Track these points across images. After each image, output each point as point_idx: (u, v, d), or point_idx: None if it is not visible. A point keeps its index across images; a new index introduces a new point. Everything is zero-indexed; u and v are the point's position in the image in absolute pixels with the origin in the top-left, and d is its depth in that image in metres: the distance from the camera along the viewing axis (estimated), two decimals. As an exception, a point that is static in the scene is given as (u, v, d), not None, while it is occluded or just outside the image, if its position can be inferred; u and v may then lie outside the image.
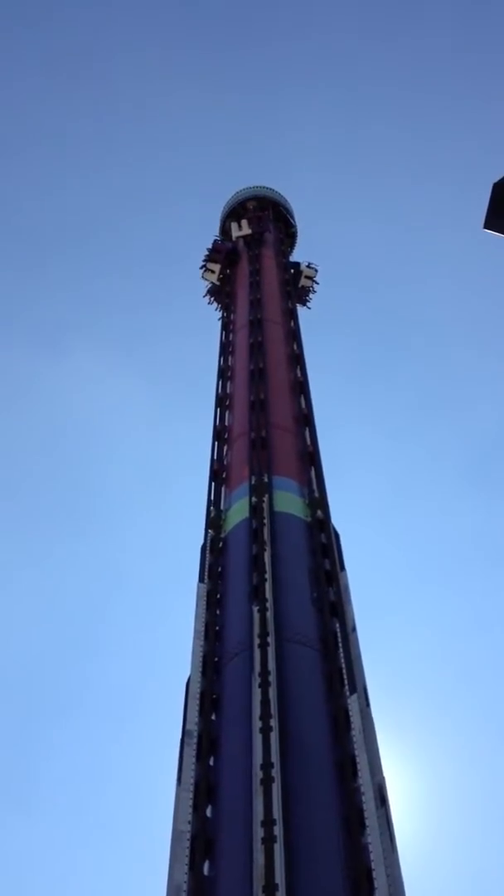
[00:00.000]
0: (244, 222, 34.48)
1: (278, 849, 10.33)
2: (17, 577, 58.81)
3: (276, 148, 74.32)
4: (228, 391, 24.75)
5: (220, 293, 33.27)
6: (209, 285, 34.11)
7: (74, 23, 75.85)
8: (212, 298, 34.00)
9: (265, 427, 20.78)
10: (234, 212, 36.33)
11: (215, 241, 34.94)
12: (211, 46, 79.64)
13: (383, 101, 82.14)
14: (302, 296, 33.84)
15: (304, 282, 34.07)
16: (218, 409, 23.96)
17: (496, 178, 18.78)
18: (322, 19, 79.23)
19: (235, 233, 34.17)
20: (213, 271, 33.65)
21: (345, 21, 78.40)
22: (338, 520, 18.23)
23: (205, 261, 34.03)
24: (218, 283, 33.64)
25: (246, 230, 34.01)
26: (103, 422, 70.08)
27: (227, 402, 24.17)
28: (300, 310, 31.37)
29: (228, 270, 33.41)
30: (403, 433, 69.75)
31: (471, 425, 69.03)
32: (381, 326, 77.93)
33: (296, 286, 33.24)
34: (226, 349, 27.36)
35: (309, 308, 34.08)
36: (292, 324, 28.08)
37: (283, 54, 78.27)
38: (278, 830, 10.57)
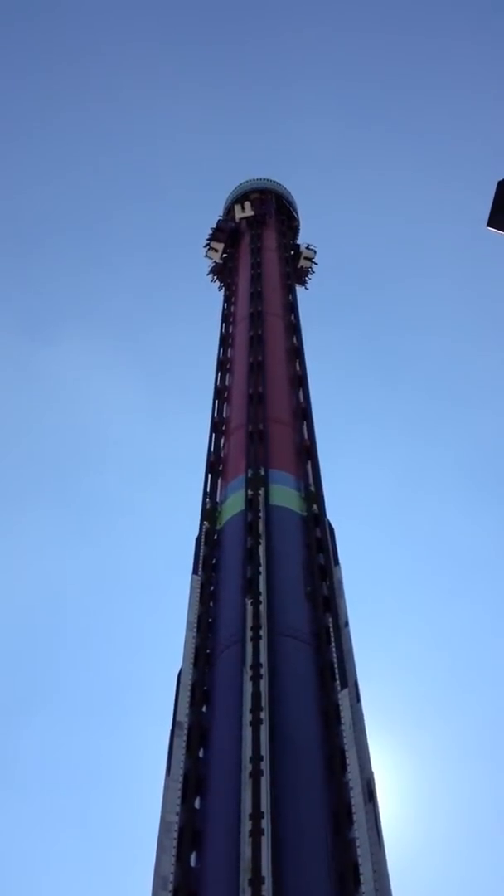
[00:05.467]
0: (247, 204, 35.31)
1: (265, 842, 10.35)
2: (10, 565, 58.78)
3: (276, 141, 74.02)
4: (227, 383, 24.72)
5: (223, 272, 33.85)
6: (212, 264, 34.86)
7: (78, 11, 75.56)
8: (214, 277, 34.78)
9: (263, 420, 20.76)
10: (238, 200, 36.63)
11: (219, 220, 35.83)
12: (213, 39, 79.45)
13: (387, 97, 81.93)
14: (301, 276, 34.62)
15: (303, 262, 35.07)
16: (216, 402, 23.92)
17: (501, 176, 18.74)
18: (325, 13, 79.01)
19: (239, 214, 35.01)
20: (216, 250, 34.63)
21: (348, 14, 78.12)
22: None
23: (208, 240, 34.94)
24: (221, 262, 34.21)
25: (249, 212, 34.86)
26: (96, 410, 69.81)
27: (226, 395, 24.14)
28: (298, 291, 32.03)
29: (231, 251, 34.10)
30: (410, 430, 69.42)
31: (480, 425, 68.67)
32: (386, 323, 77.75)
33: (295, 267, 34.01)
34: (225, 341, 27.34)
35: (307, 289, 34.83)
36: (292, 317, 28.07)
37: (286, 48, 77.96)
38: (266, 823, 10.58)
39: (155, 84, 77.23)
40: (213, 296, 33.89)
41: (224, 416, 23.17)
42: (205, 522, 18.43)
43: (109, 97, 77.84)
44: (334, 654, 14.15)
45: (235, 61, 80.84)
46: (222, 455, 21.35)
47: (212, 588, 16.50)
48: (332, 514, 18.22)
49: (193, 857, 11.26)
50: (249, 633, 13.87)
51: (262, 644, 13.56)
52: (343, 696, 13.17)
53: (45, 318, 75.39)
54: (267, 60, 79.05)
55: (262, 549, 15.90)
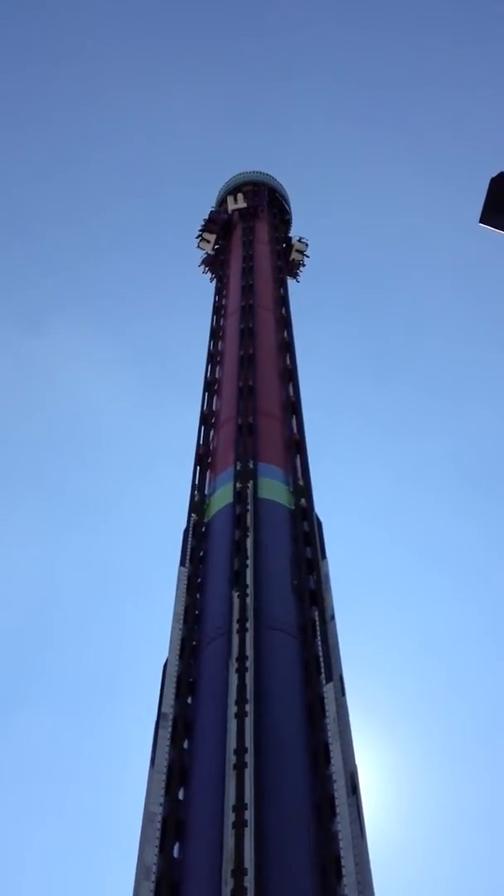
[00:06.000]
0: (240, 196, 35.38)
1: (248, 833, 10.38)
2: (0, 554, 58.66)
3: (275, 138, 73.90)
4: (217, 376, 24.69)
5: (215, 263, 33.80)
6: (204, 255, 34.79)
7: (77, 5, 75.17)
8: (206, 268, 34.65)
9: (252, 413, 20.75)
10: (231, 191, 36.60)
11: (211, 211, 35.75)
12: (212, 35, 79.12)
13: (386, 95, 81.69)
14: (293, 269, 34.61)
15: (294, 255, 35.06)
16: (206, 394, 23.89)
17: (494, 173, 18.77)
18: (325, 11, 78.79)
19: (231, 206, 35.04)
20: (208, 241, 34.62)
21: (348, 12, 77.94)
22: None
23: (200, 230, 34.87)
24: (213, 253, 34.18)
25: (241, 203, 34.91)
26: (89, 401, 69.67)
27: (216, 387, 24.11)
28: (292, 284, 32.31)
29: (223, 243, 34.11)
30: (406, 428, 69.37)
31: (475, 423, 68.67)
32: (382, 322, 77.66)
33: (287, 259, 34.00)
34: (216, 334, 27.30)
35: (298, 282, 34.86)
36: (283, 311, 28.05)
37: (285, 45, 77.79)
38: (249, 815, 10.62)
39: (154, 78, 77.10)
40: (206, 287, 33.83)
41: (214, 408, 23.13)
42: (193, 514, 18.43)
43: (108, 90, 77.49)
44: (320, 648, 14.17)
45: (234, 58, 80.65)
46: (211, 447, 21.33)
47: (199, 580, 16.50)
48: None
49: (177, 847, 11.29)
50: (236, 626, 13.88)
51: (249, 636, 13.57)
52: (328, 690, 13.19)
53: (37, 309, 75.15)
54: (266, 57, 78.95)
55: (249, 542, 15.91)
